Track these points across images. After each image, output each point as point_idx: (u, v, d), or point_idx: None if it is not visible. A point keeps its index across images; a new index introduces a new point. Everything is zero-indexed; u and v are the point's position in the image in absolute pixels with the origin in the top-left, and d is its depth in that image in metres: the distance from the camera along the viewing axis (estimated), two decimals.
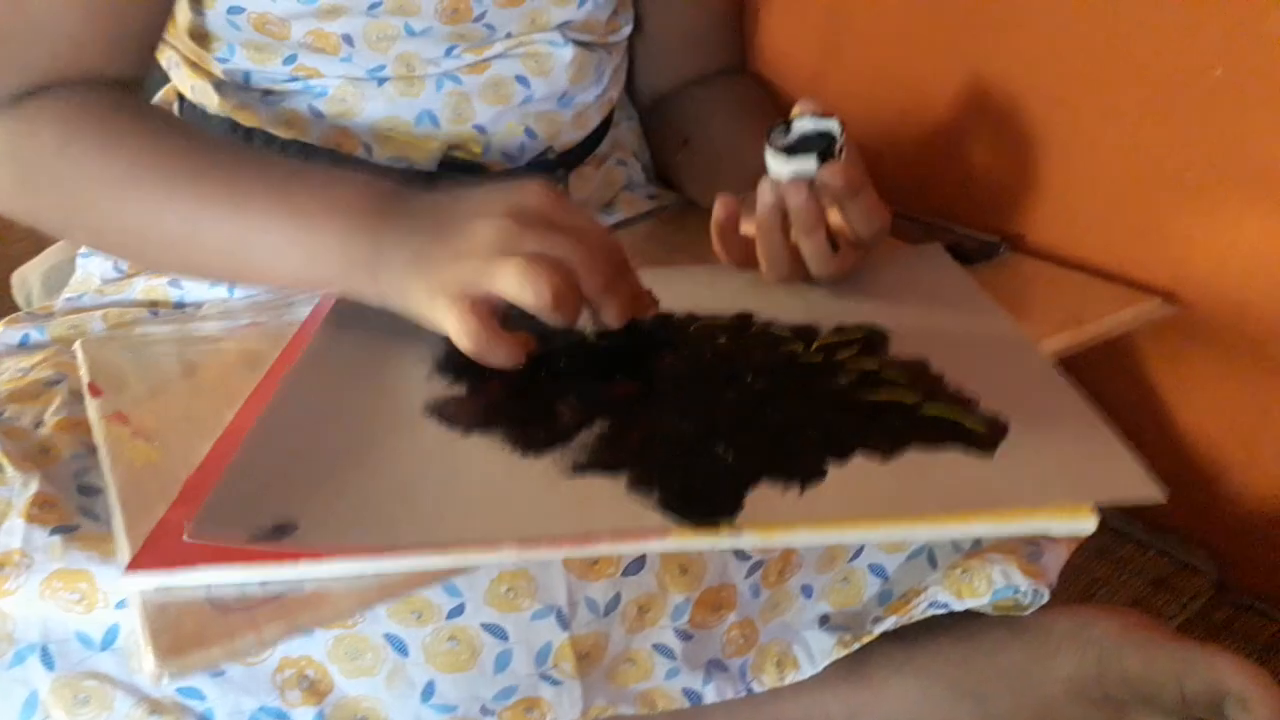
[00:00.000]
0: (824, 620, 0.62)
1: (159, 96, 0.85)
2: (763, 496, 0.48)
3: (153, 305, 0.74)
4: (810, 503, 0.48)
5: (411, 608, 0.52)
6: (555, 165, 0.81)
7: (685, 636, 0.59)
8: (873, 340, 0.61)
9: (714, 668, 0.60)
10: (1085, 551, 0.68)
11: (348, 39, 0.73)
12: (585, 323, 0.57)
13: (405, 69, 0.75)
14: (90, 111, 0.65)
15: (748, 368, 0.58)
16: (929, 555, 0.63)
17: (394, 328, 0.59)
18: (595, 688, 0.57)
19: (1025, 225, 0.78)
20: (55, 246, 0.93)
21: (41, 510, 0.52)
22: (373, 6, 0.72)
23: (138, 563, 0.46)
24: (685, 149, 0.85)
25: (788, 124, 0.63)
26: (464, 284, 0.54)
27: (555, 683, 0.56)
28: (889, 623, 0.61)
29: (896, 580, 0.62)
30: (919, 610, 0.61)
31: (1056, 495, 0.48)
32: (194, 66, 0.78)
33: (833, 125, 0.62)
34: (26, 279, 0.93)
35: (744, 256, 0.66)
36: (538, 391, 0.57)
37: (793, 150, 0.62)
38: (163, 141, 0.65)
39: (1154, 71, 0.69)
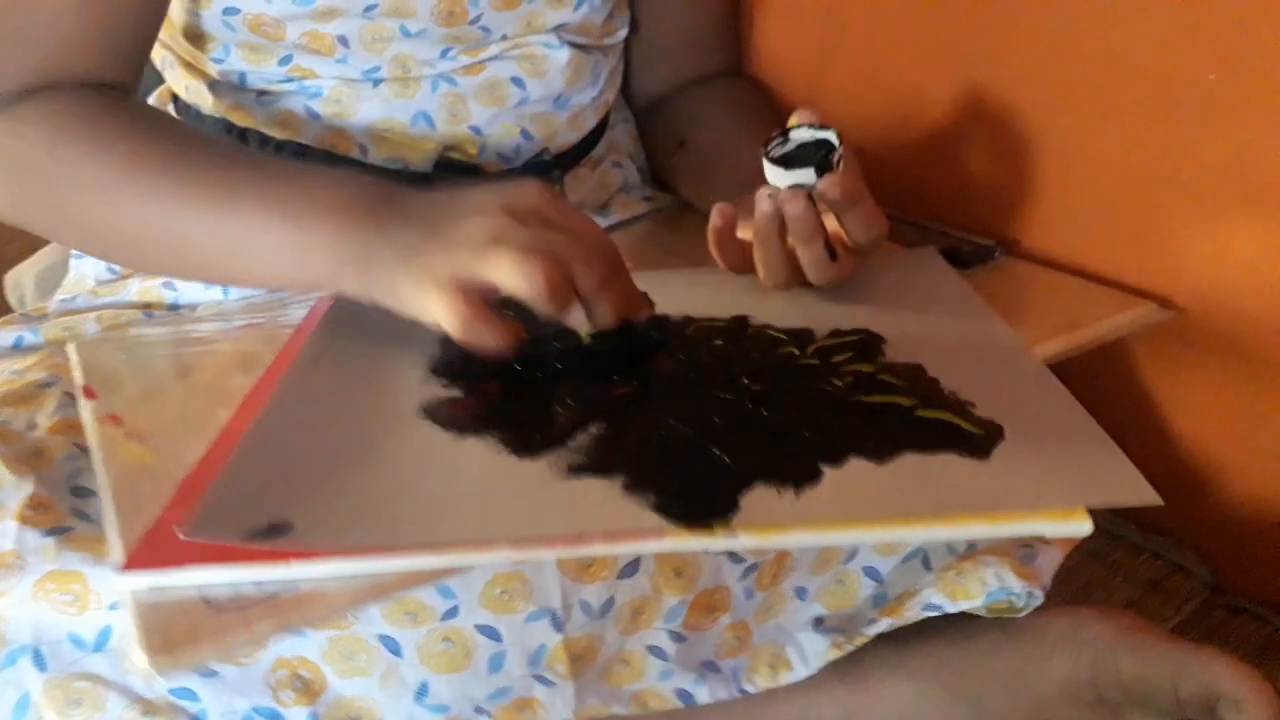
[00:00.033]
0: (818, 622, 0.62)
1: (153, 97, 0.85)
2: (758, 498, 0.48)
3: (147, 307, 0.74)
4: (806, 505, 0.48)
5: (406, 609, 0.52)
6: (551, 167, 0.81)
7: (679, 638, 0.59)
8: (868, 344, 0.61)
9: (707, 669, 0.60)
10: (1079, 554, 0.68)
11: (343, 40, 0.73)
12: (581, 325, 0.57)
13: (400, 70, 0.75)
14: (80, 113, 0.65)
15: (744, 370, 0.59)
16: (923, 558, 0.63)
17: (390, 331, 0.59)
18: (588, 688, 0.57)
19: (1020, 229, 0.78)
20: (49, 247, 0.92)
21: (35, 512, 0.52)
22: (368, 8, 0.72)
23: (132, 563, 0.46)
24: (681, 151, 0.85)
25: (785, 134, 0.63)
26: (454, 272, 0.53)
27: (548, 683, 0.56)
28: (883, 625, 0.61)
29: (890, 582, 0.62)
30: (913, 612, 0.61)
31: (1051, 498, 0.48)
32: (189, 67, 0.78)
33: (830, 135, 0.62)
34: (20, 280, 0.92)
35: (741, 262, 0.66)
36: (533, 394, 0.57)
37: (790, 161, 0.61)
38: (152, 143, 0.64)
39: (1149, 77, 0.70)
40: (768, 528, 0.47)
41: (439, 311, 0.54)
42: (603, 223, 0.83)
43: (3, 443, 0.56)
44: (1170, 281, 0.71)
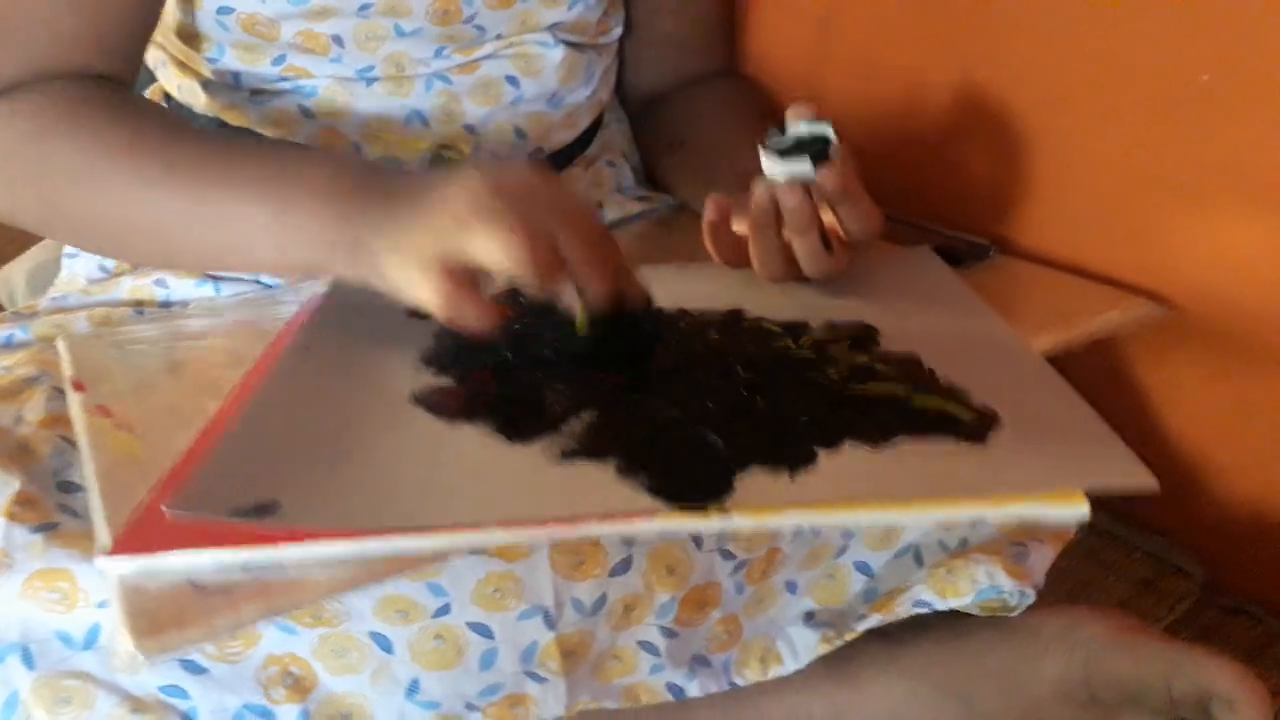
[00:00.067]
0: (808, 617, 0.62)
1: (145, 96, 0.85)
2: (753, 481, 0.48)
3: (138, 305, 0.73)
4: (801, 487, 0.48)
5: (397, 606, 0.52)
6: (545, 166, 0.81)
7: (670, 633, 0.58)
8: (864, 336, 0.61)
9: (698, 663, 0.60)
10: (1072, 553, 0.68)
11: (337, 39, 0.73)
12: (574, 307, 0.56)
13: (395, 69, 0.75)
14: (67, 104, 0.65)
15: (739, 361, 0.59)
16: (915, 553, 0.63)
17: (382, 323, 0.59)
18: (580, 684, 0.57)
19: (1015, 228, 0.78)
20: (40, 245, 0.92)
21: (22, 508, 0.51)
22: (363, 8, 0.72)
23: (119, 547, 0.46)
24: (677, 151, 0.85)
25: (782, 127, 0.63)
26: (437, 250, 0.53)
27: (540, 680, 0.55)
28: (873, 620, 0.61)
29: (882, 578, 0.62)
30: (903, 609, 0.61)
31: (1048, 482, 0.48)
32: (181, 66, 0.78)
33: (827, 128, 0.62)
34: (10, 278, 0.92)
35: (735, 255, 0.66)
36: (526, 382, 0.57)
37: (787, 153, 0.62)
38: (138, 131, 0.64)
39: (1143, 77, 0.70)
40: (762, 509, 0.47)
41: (422, 291, 0.53)
42: None
43: None
44: (1165, 279, 0.71)
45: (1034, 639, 0.60)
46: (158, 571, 0.45)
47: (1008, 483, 0.48)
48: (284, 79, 0.75)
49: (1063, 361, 0.61)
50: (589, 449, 0.51)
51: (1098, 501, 0.48)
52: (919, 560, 0.62)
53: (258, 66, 0.75)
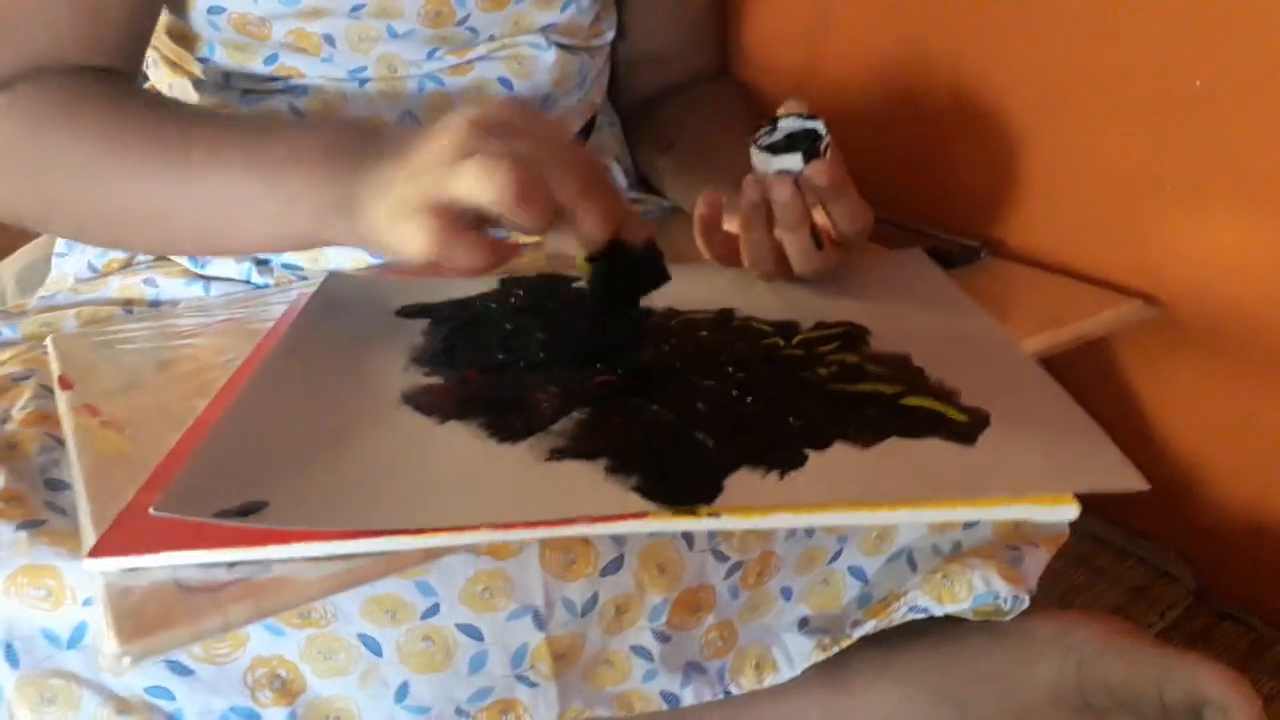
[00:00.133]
0: (803, 623, 0.61)
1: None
2: (742, 481, 0.48)
3: (127, 304, 0.73)
4: (790, 487, 0.48)
5: (385, 607, 0.52)
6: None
7: (663, 638, 0.58)
8: (854, 335, 0.61)
9: (692, 670, 0.59)
10: (1065, 559, 0.68)
11: (329, 40, 0.73)
12: (570, 245, 0.54)
13: (387, 70, 0.75)
14: (60, 95, 0.64)
15: (728, 360, 0.58)
16: (909, 558, 0.62)
17: (371, 322, 0.59)
18: (572, 689, 0.56)
19: (1006, 230, 0.78)
20: (30, 245, 0.92)
21: (7, 505, 0.51)
22: (355, 8, 0.72)
23: (103, 546, 0.45)
24: (668, 154, 0.85)
25: (774, 122, 0.63)
26: (423, 192, 0.51)
27: (531, 684, 0.55)
28: (868, 626, 0.60)
29: (876, 583, 0.62)
30: (898, 614, 0.60)
31: (1038, 482, 0.48)
32: (173, 65, 0.78)
33: (818, 125, 0.62)
34: (0, 277, 0.92)
35: (726, 253, 0.66)
36: (516, 382, 0.56)
37: (778, 148, 0.62)
38: (130, 116, 0.64)
39: (1136, 80, 0.70)
40: (751, 510, 0.47)
41: (414, 239, 0.51)
42: None
43: None
44: (1155, 283, 0.71)
45: (1028, 644, 0.60)
46: (143, 570, 0.45)
47: (997, 484, 0.48)
48: (275, 79, 0.75)
49: (1054, 363, 0.61)
50: (579, 449, 0.50)
51: (1090, 507, 0.48)
52: (913, 565, 0.62)
53: (249, 66, 0.74)
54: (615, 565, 0.55)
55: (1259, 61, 0.64)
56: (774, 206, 0.62)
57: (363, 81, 0.75)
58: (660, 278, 0.57)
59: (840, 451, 0.50)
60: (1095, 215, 0.74)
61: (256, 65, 0.74)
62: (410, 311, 0.65)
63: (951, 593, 0.60)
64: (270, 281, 0.74)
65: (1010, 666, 0.60)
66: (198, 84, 0.76)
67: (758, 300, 0.65)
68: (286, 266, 0.75)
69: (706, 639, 0.59)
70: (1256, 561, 0.75)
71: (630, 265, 0.56)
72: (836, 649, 0.60)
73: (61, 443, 0.55)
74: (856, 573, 0.62)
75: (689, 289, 0.64)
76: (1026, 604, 0.61)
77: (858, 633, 0.60)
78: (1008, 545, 0.63)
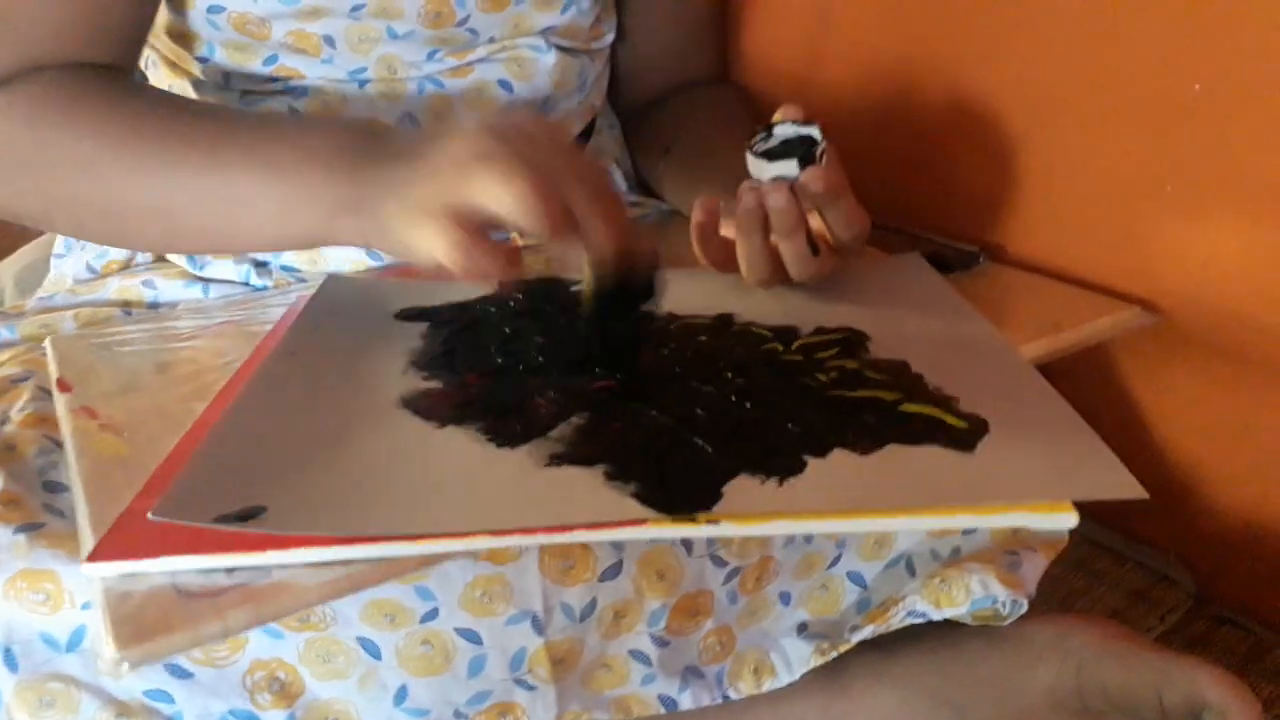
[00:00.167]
0: (802, 628, 0.61)
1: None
2: (741, 488, 0.48)
3: (126, 305, 0.73)
4: (789, 494, 0.48)
5: (384, 611, 0.52)
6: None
7: (662, 643, 0.58)
8: (853, 341, 0.61)
9: (690, 674, 0.59)
10: (1064, 563, 0.68)
11: (329, 40, 0.73)
12: (579, 259, 0.54)
13: (387, 71, 0.75)
14: (61, 91, 0.64)
15: (728, 365, 0.58)
16: (907, 564, 0.62)
17: (370, 325, 0.59)
18: (570, 693, 0.56)
19: (1004, 235, 0.78)
20: (29, 245, 0.92)
21: (6, 508, 0.51)
22: (355, 8, 0.72)
23: (101, 551, 0.45)
24: (667, 157, 0.85)
25: (770, 129, 0.63)
26: (443, 198, 0.51)
27: (529, 688, 0.55)
28: (867, 631, 0.60)
29: (875, 589, 0.62)
30: (897, 619, 0.60)
31: (1037, 490, 0.48)
32: (173, 66, 0.78)
33: (814, 131, 0.62)
34: None
35: (723, 259, 0.66)
36: (515, 387, 0.56)
37: (774, 155, 0.62)
38: (133, 112, 0.63)
39: (1135, 85, 0.70)
40: (750, 517, 0.47)
41: (432, 243, 0.51)
42: None
43: None
44: (1154, 289, 0.71)
45: (1026, 648, 0.60)
46: (141, 575, 0.44)
47: (995, 491, 0.48)
48: (275, 79, 0.75)
49: (1052, 369, 0.61)
50: (577, 454, 0.50)
51: (1089, 511, 0.48)
52: (911, 570, 0.62)
53: (249, 66, 0.74)
54: (614, 571, 0.55)
55: (1258, 65, 0.64)
56: (770, 213, 0.62)
57: (362, 83, 0.75)
58: (656, 291, 0.58)
59: (839, 458, 0.50)
60: (1094, 220, 0.74)
61: (256, 66, 0.74)
62: (409, 315, 0.65)
63: (950, 597, 0.60)
64: (269, 284, 0.74)
65: (1009, 671, 0.60)
66: (197, 84, 0.76)
67: (757, 305, 0.65)
68: (285, 269, 0.74)
69: (705, 644, 0.59)
70: (1256, 566, 0.75)
71: (633, 278, 0.56)
72: (835, 654, 0.60)
73: (60, 445, 0.55)
74: (855, 578, 0.62)
75: (687, 293, 0.64)
76: (1025, 608, 0.61)
77: (856, 637, 0.60)
78: (1006, 550, 0.63)
